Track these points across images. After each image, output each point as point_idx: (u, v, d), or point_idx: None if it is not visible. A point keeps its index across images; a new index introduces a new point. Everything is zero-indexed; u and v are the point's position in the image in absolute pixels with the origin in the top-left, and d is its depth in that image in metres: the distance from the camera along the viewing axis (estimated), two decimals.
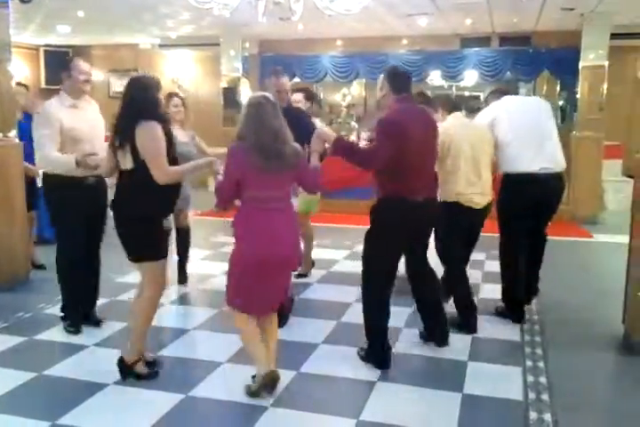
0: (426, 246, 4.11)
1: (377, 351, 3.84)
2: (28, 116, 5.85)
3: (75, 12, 8.63)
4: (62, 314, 4.48)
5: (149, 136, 3.40)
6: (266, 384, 3.35)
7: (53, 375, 3.67)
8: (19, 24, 9.22)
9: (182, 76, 12.51)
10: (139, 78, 3.61)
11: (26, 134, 5.24)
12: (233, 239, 3.38)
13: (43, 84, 12.27)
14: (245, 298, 3.36)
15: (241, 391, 3.43)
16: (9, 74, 5.56)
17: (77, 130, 4.17)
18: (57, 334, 4.35)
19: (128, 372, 3.60)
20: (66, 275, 4.39)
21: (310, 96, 5.81)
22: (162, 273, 3.63)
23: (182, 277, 5.62)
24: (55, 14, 8.92)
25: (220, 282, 5.67)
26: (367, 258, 3.86)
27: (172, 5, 8.09)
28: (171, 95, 5.30)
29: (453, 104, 4.76)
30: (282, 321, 4.40)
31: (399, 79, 3.86)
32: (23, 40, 11.56)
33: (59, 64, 11.80)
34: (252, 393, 3.40)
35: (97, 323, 4.48)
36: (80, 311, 4.45)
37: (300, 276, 5.71)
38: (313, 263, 6.04)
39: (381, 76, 3.92)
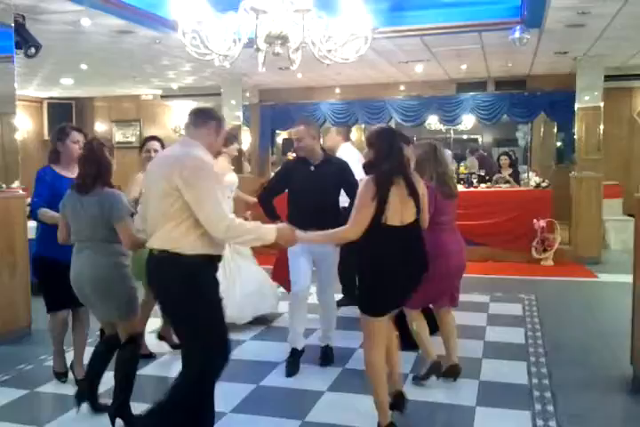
0: None
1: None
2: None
3: (78, 64, 8.83)
4: None
5: None
6: (435, 371, 4.13)
7: None
8: (23, 78, 9.43)
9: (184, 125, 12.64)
10: None
11: None
12: None
13: (45, 137, 12.42)
14: (426, 296, 4.01)
15: None
16: (13, 127, 5.66)
17: None
18: (58, 386, 4.27)
19: None
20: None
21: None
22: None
23: None
24: (59, 68, 9.12)
25: None
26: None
27: (174, 57, 8.27)
28: (153, 138, 4.85)
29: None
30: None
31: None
32: (27, 93, 11.77)
33: (62, 116, 12.12)
34: (421, 377, 4.16)
35: None
36: None
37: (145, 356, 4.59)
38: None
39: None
